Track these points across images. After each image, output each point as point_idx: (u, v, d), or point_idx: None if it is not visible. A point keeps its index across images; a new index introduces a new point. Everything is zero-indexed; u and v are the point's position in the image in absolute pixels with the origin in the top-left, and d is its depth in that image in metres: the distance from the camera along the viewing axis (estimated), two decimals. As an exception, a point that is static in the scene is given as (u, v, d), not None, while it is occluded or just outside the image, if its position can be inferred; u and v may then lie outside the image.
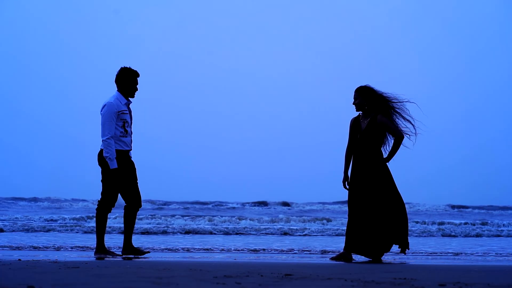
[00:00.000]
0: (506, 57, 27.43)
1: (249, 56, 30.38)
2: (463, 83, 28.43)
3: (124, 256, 7.68)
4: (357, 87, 7.70)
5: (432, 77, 28.57)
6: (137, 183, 7.73)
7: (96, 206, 7.75)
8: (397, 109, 7.66)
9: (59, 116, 28.30)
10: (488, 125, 28.38)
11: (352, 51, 29.68)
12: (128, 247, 7.70)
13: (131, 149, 7.72)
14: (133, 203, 7.68)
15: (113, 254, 7.71)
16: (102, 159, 7.59)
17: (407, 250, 7.64)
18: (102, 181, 7.65)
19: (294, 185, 29.92)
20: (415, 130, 7.67)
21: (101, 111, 7.60)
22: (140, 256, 7.73)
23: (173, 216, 18.90)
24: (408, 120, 7.66)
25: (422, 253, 9.73)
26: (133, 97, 7.71)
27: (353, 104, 7.70)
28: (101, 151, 7.59)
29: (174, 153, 29.09)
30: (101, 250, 7.67)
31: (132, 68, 7.72)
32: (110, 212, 7.69)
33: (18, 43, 28.07)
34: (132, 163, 7.72)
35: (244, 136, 29.82)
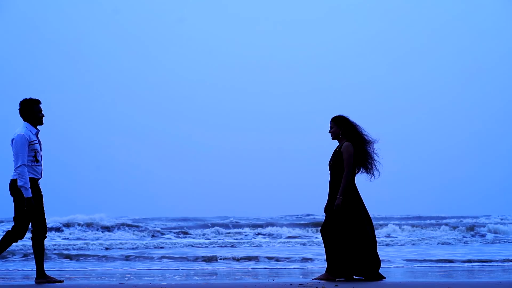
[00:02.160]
0: (506, 58, 27.40)
1: (253, 56, 30.41)
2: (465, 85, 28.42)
3: (38, 283, 7.65)
4: (333, 116, 7.73)
5: (433, 78, 28.54)
6: (43, 211, 7.71)
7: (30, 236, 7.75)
8: (367, 145, 7.68)
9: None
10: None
11: (354, 51, 29.67)
12: (42, 275, 7.69)
13: (41, 177, 7.73)
14: (40, 231, 7.66)
15: (55, 281, 7.74)
16: (15, 189, 7.59)
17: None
18: (16, 211, 7.61)
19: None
20: (376, 169, 7.70)
21: (12, 143, 7.57)
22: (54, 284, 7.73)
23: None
24: (373, 159, 7.68)
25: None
26: (41, 124, 7.73)
27: (329, 132, 7.75)
28: (13, 181, 7.59)
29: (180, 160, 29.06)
30: (42, 276, 7.71)
31: (32, 97, 7.68)
32: (45, 238, 7.67)
33: (18, 43, 28.19)
34: (40, 191, 7.72)
35: (248, 140, 29.86)
